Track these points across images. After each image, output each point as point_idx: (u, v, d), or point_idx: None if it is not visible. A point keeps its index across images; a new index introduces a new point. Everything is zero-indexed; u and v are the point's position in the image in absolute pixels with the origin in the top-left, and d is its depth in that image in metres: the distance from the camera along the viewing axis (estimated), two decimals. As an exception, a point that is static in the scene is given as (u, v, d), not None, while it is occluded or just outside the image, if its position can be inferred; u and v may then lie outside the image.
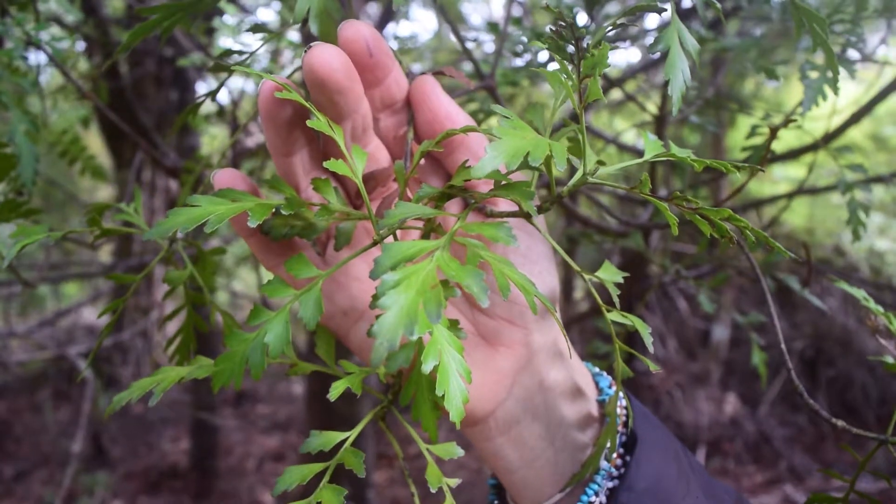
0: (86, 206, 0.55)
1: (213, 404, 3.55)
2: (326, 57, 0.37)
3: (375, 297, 0.39)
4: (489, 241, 0.30)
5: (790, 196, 1.34)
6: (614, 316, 0.42)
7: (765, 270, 1.04)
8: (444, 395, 0.33)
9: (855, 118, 1.16)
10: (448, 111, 0.43)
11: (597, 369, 0.52)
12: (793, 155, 1.24)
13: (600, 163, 0.40)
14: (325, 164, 0.37)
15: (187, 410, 3.86)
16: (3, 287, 3.18)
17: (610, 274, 0.42)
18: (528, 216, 0.41)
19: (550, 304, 0.46)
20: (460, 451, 0.41)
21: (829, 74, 0.75)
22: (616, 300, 0.41)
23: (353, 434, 0.39)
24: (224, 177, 0.41)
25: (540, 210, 0.40)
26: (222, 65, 0.47)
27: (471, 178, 0.36)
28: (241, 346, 0.38)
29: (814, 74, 0.75)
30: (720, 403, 3.92)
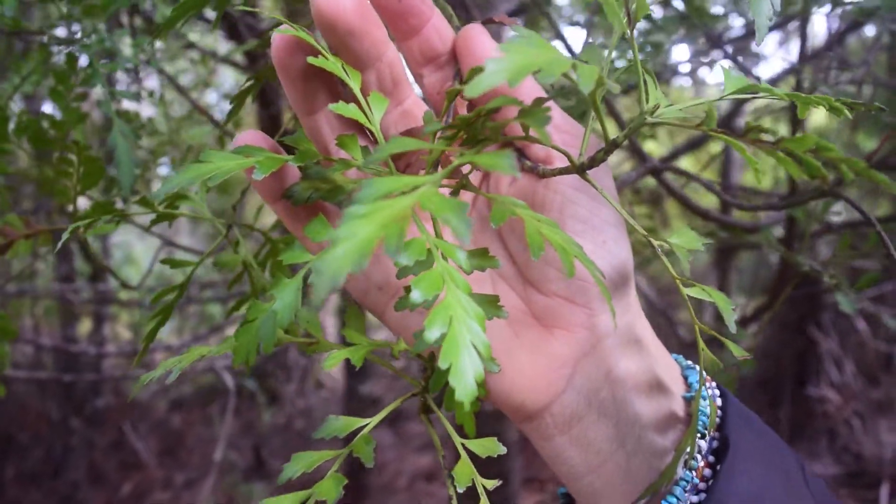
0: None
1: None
2: None
3: (401, 270, 0.34)
4: (485, 169, 0.24)
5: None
6: (693, 291, 0.35)
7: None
8: (449, 368, 0.27)
9: None
10: None
11: (688, 362, 0.44)
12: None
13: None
14: (330, 106, 0.33)
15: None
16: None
17: (686, 240, 0.35)
18: (581, 171, 0.35)
19: (619, 279, 0.39)
20: (502, 449, 0.35)
21: None
22: (687, 269, 0.34)
23: (373, 421, 0.35)
24: (244, 136, 0.38)
25: (593, 162, 0.34)
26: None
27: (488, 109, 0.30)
28: (259, 318, 0.35)
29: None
30: (907, 436, 3.55)
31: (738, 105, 2.01)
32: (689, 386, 0.42)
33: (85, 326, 3.88)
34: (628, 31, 0.31)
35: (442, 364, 0.27)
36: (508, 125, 0.35)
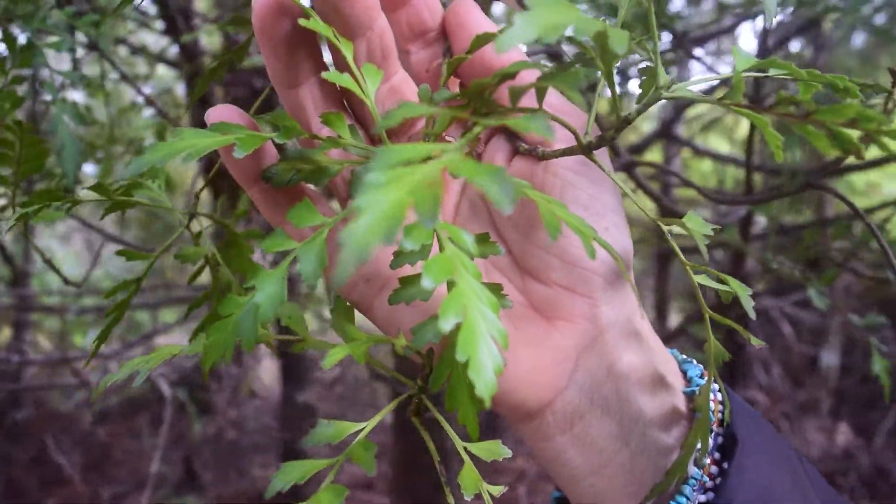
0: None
1: (303, 430, 3.52)
2: None
3: (398, 255, 0.31)
4: (519, 131, 0.22)
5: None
6: (702, 279, 0.33)
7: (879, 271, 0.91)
8: (468, 362, 0.24)
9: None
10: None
11: (684, 356, 0.42)
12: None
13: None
14: (323, 74, 0.30)
15: (278, 436, 3.86)
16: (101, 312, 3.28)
17: (697, 224, 0.33)
18: (587, 151, 0.32)
19: (623, 267, 0.37)
20: (507, 452, 0.33)
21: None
22: (705, 253, 0.32)
23: (369, 425, 0.31)
24: (219, 112, 0.34)
25: (601, 141, 0.32)
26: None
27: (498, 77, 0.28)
28: (236, 313, 0.31)
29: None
30: (831, 434, 3.67)
31: (678, 113, 2.04)
32: (688, 380, 0.40)
33: (4, 334, 3.70)
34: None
35: (460, 357, 0.25)
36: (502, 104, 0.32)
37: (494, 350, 0.25)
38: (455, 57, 0.32)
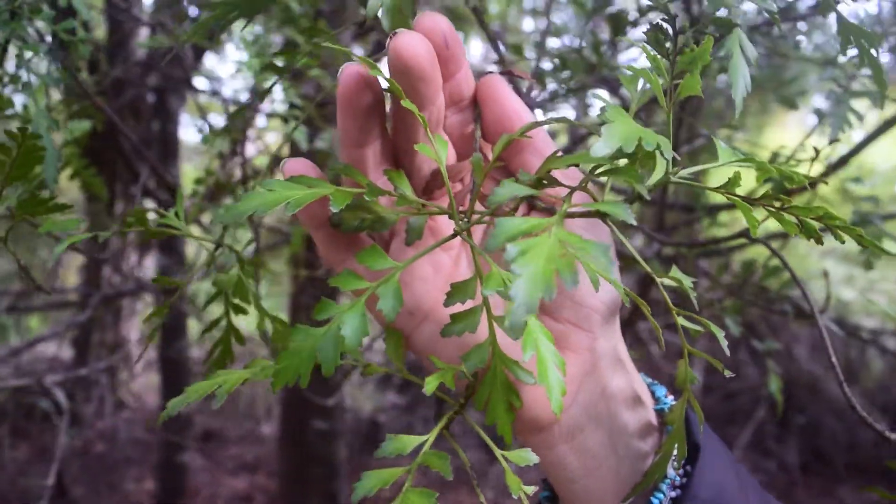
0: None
1: (180, 443, 3.44)
2: (414, 42, 0.37)
3: (450, 295, 0.38)
4: (608, 214, 0.30)
5: (787, 236, 1.34)
6: (682, 321, 0.42)
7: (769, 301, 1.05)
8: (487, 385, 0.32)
9: (842, 161, 1.13)
10: (516, 109, 0.44)
11: (650, 379, 0.51)
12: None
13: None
14: (416, 146, 0.37)
15: (152, 450, 3.74)
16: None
17: (683, 278, 0.42)
18: (603, 216, 0.40)
19: (614, 308, 0.46)
20: (535, 458, 0.40)
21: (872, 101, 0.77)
22: (694, 302, 0.41)
23: (431, 436, 0.38)
24: (295, 165, 0.40)
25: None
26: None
27: (559, 167, 0.36)
28: (310, 341, 0.37)
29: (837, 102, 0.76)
30: (693, 448, 3.91)
31: (575, 143, 2.19)
32: (656, 399, 0.49)
33: None
34: (665, 103, 0.38)
35: (539, 381, 0.32)
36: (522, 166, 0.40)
37: (559, 375, 0.33)
38: (506, 136, 0.40)
